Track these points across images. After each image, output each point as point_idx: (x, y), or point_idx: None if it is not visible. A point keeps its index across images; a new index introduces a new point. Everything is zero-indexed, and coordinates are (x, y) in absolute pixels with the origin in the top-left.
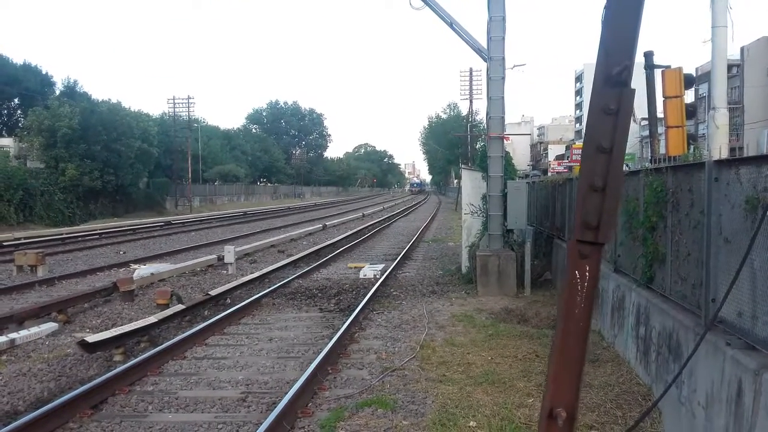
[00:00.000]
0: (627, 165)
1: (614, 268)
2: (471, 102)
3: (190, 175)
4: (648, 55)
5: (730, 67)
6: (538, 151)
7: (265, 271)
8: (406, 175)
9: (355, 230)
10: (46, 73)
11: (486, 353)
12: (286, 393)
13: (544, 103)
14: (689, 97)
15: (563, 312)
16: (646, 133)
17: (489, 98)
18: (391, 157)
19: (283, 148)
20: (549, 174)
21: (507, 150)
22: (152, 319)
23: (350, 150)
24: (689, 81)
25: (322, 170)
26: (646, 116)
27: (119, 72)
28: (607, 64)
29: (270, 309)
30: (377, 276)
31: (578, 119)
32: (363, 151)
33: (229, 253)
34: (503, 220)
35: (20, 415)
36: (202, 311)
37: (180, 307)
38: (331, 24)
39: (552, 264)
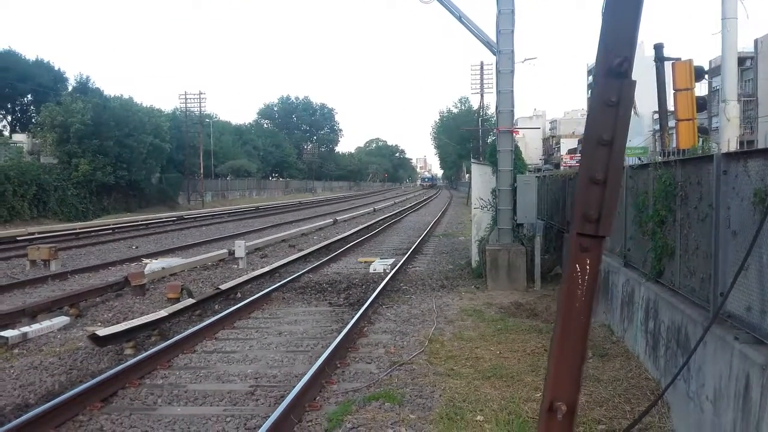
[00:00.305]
0: (639, 159)
1: (624, 262)
2: (482, 96)
3: (202, 170)
4: (658, 48)
5: (743, 59)
6: (550, 144)
7: (275, 265)
8: (418, 169)
9: (366, 225)
10: (59, 69)
11: (495, 347)
12: (295, 386)
13: (557, 96)
14: (702, 90)
15: (563, 306)
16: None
17: (498, 92)
18: (402, 151)
19: (294, 143)
20: (561, 168)
21: (519, 144)
22: (162, 313)
23: (361, 145)
24: (700, 73)
25: (333, 165)
26: (657, 109)
27: (131, 68)
28: (608, 56)
29: (280, 303)
30: (387, 270)
31: None
32: (374, 145)
33: (240, 247)
34: (513, 215)
35: (30, 408)
36: (213, 305)
37: (190, 301)
38: (342, 19)
39: (563, 258)
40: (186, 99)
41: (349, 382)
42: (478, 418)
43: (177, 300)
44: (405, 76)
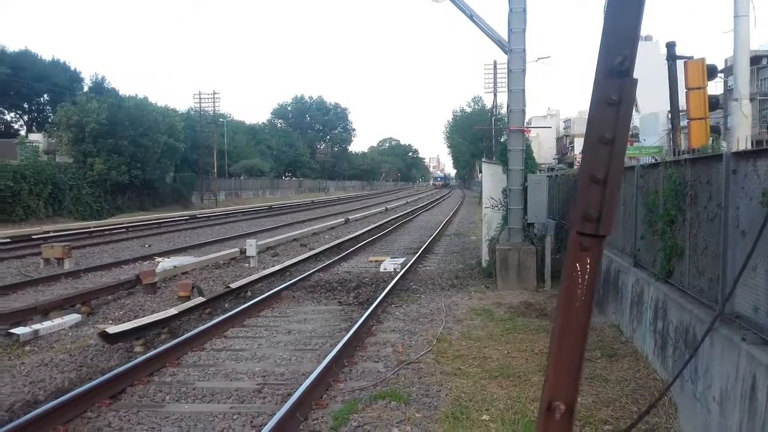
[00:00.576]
0: (654, 158)
1: (634, 262)
2: (495, 95)
3: (215, 170)
4: (670, 46)
5: (759, 57)
6: (564, 144)
7: (286, 264)
8: (431, 168)
9: (378, 224)
10: (75, 69)
11: (503, 347)
12: (301, 384)
13: (571, 95)
14: (718, 88)
15: (563, 305)
16: None
17: (509, 91)
18: (415, 151)
19: (307, 143)
20: (575, 167)
21: (533, 143)
22: (173, 311)
23: (374, 144)
24: (712, 72)
25: (346, 164)
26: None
27: (146, 68)
28: (609, 55)
29: (290, 302)
30: (397, 269)
31: None
32: (387, 145)
33: (251, 246)
34: (523, 214)
35: (39, 404)
36: (223, 304)
37: (201, 299)
38: (355, 18)
39: None
40: (200, 99)
41: (356, 380)
42: (484, 417)
43: (188, 298)
44: (418, 75)
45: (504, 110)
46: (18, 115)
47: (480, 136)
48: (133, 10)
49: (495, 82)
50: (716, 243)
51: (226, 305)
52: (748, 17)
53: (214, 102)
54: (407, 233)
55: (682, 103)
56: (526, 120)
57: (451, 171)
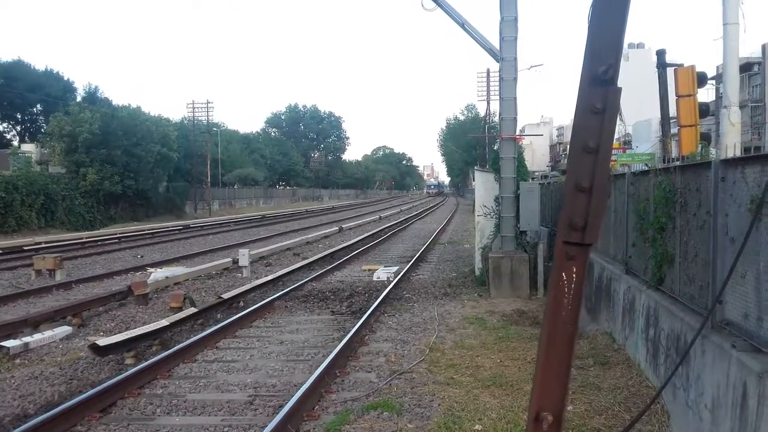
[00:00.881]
0: (646, 165)
1: (625, 269)
2: (488, 103)
3: (209, 179)
4: (660, 54)
5: (751, 65)
6: (557, 151)
7: (279, 273)
8: (425, 177)
9: (371, 233)
10: (68, 79)
11: (495, 356)
12: (293, 395)
13: (564, 103)
14: (710, 95)
15: (550, 314)
16: None
17: (501, 99)
18: (409, 159)
19: (301, 152)
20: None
21: (526, 151)
22: (164, 322)
23: (368, 152)
24: (702, 79)
25: (340, 173)
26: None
27: (140, 78)
28: (593, 63)
29: (282, 312)
30: (390, 278)
31: None
32: (381, 153)
33: (244, 256)
34: (516, 222)
35: (29, 418)
36: (215, 314)
37: (192, 310)
38: (348, 27)
39: None
40: (194, 108)
41: (348, 391)
42: (477, 427)
43: (179, 309)
44: (412, 83)
45: (497, 118)
46: (11, 126)
47: (473, 144)
48: (127, 20)
49: (488, 90)
50: (706, 250)
51: (219, 316)
52: (737, 24)
53: (207, 111)
54: (401, 242)
55: (673, 110)
56: (519, 128)
57: (445, 179)
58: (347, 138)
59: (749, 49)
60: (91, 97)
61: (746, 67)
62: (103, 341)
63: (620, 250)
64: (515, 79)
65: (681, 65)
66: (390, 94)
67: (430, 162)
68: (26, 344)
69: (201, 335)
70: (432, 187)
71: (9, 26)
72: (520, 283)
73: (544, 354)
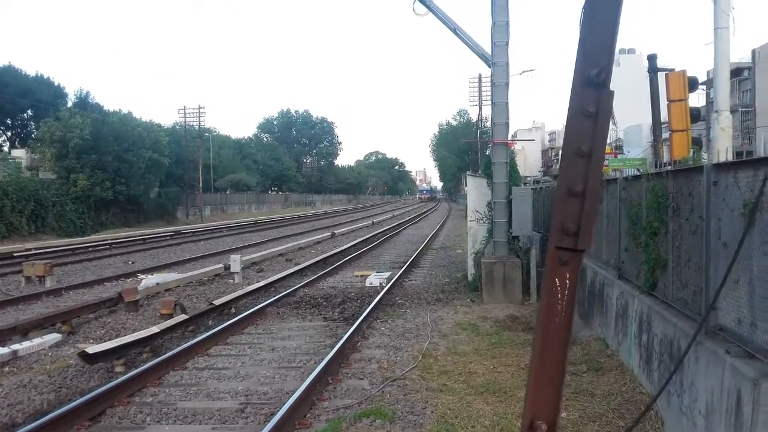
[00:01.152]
0: (638, 170)
1: (618, 274)
2: (480, 108)
3: (200, 185)
4: (651, 58)
5: (741, 70)
6: (549, 156)
7: (271, 279)
8: (417, 182)
9: (364, 238)
10: (59, 84)
11: (488, 362)
12: (285, 403)
13: (556, 108)
14: (700, 100)
15: (543, 321)
16: None
17: (493, 104)
18: (402, 164)
19: (294, 157)
20: None
21: (519, 156)
22: (154, 329)
23: (361, 158)
24: (693, 84)
25: (332, 178)
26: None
27: (131, 83)
28: (585, 66)
29: (274, 318)
30: (383, 284)
31: None
32: (374, 158)
33: (235, 262)
34: (508, 227)
35: (17, 427)
36: (206, 321)
37: (183, 317)
38: (340, 32)
39: None
40: (185, 113)
41: (340, 398)
42: None
43: (170, 316)
44: (404, 89)
45: (489, 123)
46: (1, 131)
47: (466, 149)
48: (119, 26)
49: (480, 96)
50: (699, 255)
51: (210, 322)
52: (728, 29)
53: (199, 116)
54: (393, 247)
55: (664, 115)
56: (511, 133)
57: (438, 184)
58: (340, 143)
59: (739, 55)
60: (82, 102)
61: (736, 72)
62: (92, 349)
63: (613, 255)
64: (507, 84)
65: (672, 70)
66: (382, 100)
67: (423, 167)
68: (15, 352)
69: (192, 342)
70: (424, 192)
71: None
72: (512, 288)
73: (538, 361)
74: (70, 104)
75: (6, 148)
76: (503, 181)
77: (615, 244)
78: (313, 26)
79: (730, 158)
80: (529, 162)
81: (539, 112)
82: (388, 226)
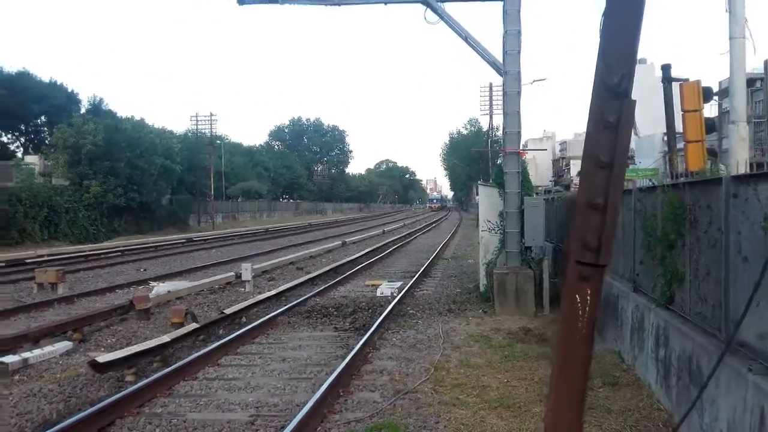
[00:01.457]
0: (651, 180)
1: (633, 287)
2: (491, 117)
3: (212, 192)
4: (665, 68)
5: (753, 80)
6: (560, 166)
7: (282, 288)
8: (428, 190)
9: (375, 247)
10: (72, 90)
11: (502, 375)
12: (295, 416)
13: (567, 117)
14: (712, 111)
15: (563, 338)
16: None
17: (504, 113)
18: (412, 173)
19: (305, 165)
20: (572, 189)
21: (530, 165)
22: (165, 338)
23: (372, 166)
24: (708, 94)
25: (343, 186)
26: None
27: (144, 90)
28: (606, 74)
29: (285, 328)
30: (394, 294)
31: None
32: (384, 167)
33: (246, 270)
34: (521, 237)
35: None
36: (217, 330)
37: (194, 325)
38: (352, 41)
39: None
40: (197, 120)
41: (351, 411)
42: None
43: (181, 324)
44: (415, 97)
45: (500, 132)
46: (14, 137)
47: (476, 158)
48: (132, 33)
49: (491, 104)
50: (718, 269)
51: (221, 331)
52: (743, 39)
53: (211, 124)
54: (404, 256)
55: (677, 125)
56: (522, 142)
57: (448, 193)
58: (350, 151)
59: (751, 65)
60: (95, 108)
61: (748, 83)
62: (102, 358)
63: (628, 267)
64: (519, 92)
65: (686, 80)
66: (393, 108)
67: (433, 176)
68: (26, 360)
69: (202, 352)
70: (435, 200)
71: (14, 37)
72: (525, 299)
73: (558, 380)
74: (83, 110)
75: (19, 154)
76: (515, 191)
77: (630, 256)
78: (325, 35)
79: (747, 170)
80: (540, 171)
81: (550, 121)
82: (399, 235)
